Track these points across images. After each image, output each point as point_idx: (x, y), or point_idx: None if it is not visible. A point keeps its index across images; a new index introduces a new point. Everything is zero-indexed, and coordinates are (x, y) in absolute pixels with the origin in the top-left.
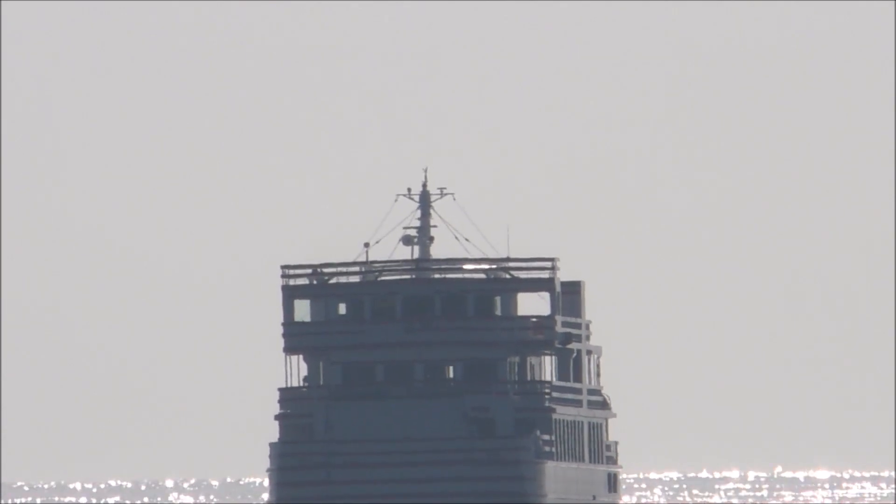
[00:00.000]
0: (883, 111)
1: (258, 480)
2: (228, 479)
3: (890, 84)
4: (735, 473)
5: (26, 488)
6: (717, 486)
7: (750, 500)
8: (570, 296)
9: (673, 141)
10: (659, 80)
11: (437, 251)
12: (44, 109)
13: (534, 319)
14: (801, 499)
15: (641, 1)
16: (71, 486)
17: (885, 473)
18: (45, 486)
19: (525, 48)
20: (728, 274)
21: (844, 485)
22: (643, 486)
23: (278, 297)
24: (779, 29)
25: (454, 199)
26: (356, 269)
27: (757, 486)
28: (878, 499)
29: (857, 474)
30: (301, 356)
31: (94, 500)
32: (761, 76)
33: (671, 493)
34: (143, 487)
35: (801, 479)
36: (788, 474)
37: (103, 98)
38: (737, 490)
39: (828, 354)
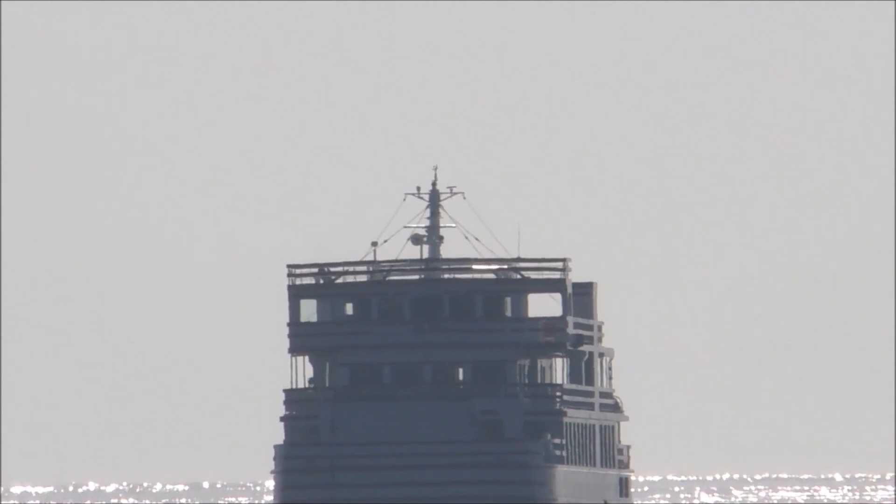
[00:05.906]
0: (882, 111)
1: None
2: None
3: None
4: (746, 476)
5: (32, 489)
6: (730, 488)
7: (756, 501)
8: (581, 297)
9: (685, 141)
10: (669, 80)
11: (447, 251)
12: (46, 108)
13: (545, 321)
14: (810, 500)
15: (647, 1)
16: (80, 489)
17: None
18: (49, 489)
19: (536, 46)
20: (741, 275)
21: (856, 487)
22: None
23: (284, 296)
24: (780, 29)
25: (464, 198)
26: (364, 268)
27: (766, 487)
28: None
29: (866, 476)
30: (307, 357)
31: (100, 502)
32: (767, 76)
33: (687, 496)
34: (140, 489)
35: (813, 481)
36: (799, 476)
37: (105, 97)
38: (749, 491)
39: (842, 358)
